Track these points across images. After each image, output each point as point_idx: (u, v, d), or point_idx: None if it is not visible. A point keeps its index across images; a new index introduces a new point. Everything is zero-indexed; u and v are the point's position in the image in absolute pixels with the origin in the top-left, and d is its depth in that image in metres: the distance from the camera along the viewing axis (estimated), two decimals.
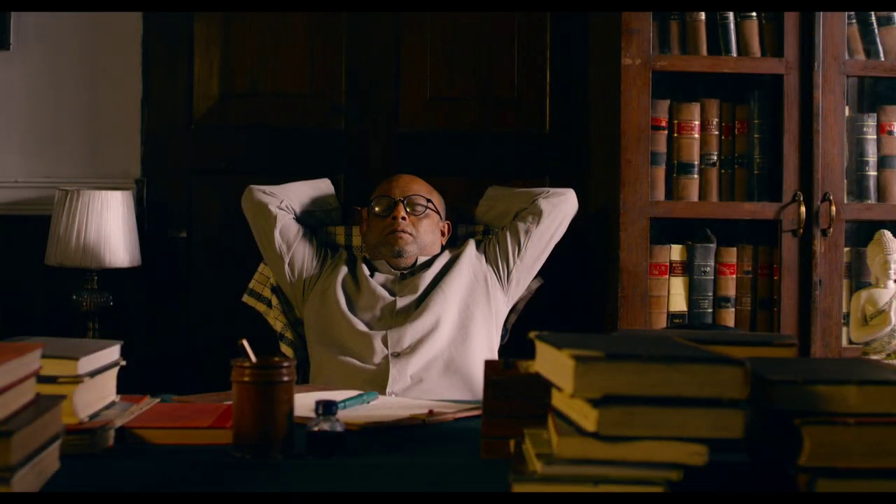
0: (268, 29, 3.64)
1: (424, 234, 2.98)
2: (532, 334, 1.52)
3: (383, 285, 2.95)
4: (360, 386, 2.62)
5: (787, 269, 3.24)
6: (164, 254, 3.61)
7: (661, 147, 3.28)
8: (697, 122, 3.30)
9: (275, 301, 3.08)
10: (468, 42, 3.66)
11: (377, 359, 2.81)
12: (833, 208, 3.20)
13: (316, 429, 1.74)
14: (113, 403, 1.86)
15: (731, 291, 3.30)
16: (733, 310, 3.30)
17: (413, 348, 2.83)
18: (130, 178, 3.61)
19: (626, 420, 1.31)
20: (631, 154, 3.21)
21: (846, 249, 3.28)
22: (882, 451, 1.34)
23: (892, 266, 3.02)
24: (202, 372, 3.37)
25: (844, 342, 3.24)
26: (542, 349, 1.48)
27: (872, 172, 3.31)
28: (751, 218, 3.28)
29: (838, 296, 3.23)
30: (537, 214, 3.01)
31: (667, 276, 3.28)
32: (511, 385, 1.75)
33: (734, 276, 3.30)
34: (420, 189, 3.02)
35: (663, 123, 3.28)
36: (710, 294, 3.29)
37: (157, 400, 2.03)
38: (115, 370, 1.88)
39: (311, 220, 3.12)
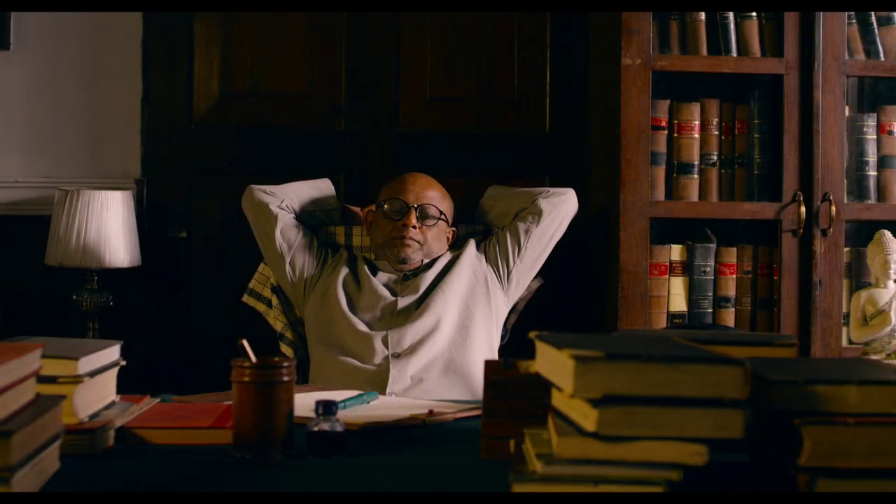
0: (268, 29, 3.64)
1: (432, 241, 2.98)
2: (532, 334, 1.52)
3: (385, 285, 2.95)
4: (360, 386, 2.62)
5: (787, 269, 3.24)
6: (164, 254, 3.61)
7: (661, 147, 3.28)
8: (697, 122, 3.30)
9: (275, 301, 3.08)
10: (468, 42, 3.66)
11: (377, 359, 2.81)
12: (833, 208, 3.20)
13: (316, 429, 1.74)
14: (113, 403, 1.86)
15: (731, 291, 3.30)
16: (733, 310, 3.30)
17: (413, 349, 2.83)
18: (130, 178, 3.61)
19: (626, 420, 1.31)
20: (631, 154, 3.21)
21: (846, 249, 3.28)
22: (882, 451, 1.34)
23: (892, 266, 3.01)
24: (202, 372, 3.37)
25: (844, 342, 3.24)
26: (542, 349, 1.48)
27: (872, 172, 3.31)
28: (751, 218, 3.29)
29: (838, 296, 3.24)
30: (537, 214, 3.01)
31: (667, 276, 3.28)
32: (511, 385, 1.75)
33: (734, 276, 3.30)
34: (434, 197, 3.00)
35: (663, 123, 3.28)
36: (710, 294, 3.29)
37: (157, 400, 2.03)
38: (115, 370, 1.88)
39: (312, 219, 3.11)
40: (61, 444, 1.54)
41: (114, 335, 2.17)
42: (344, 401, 2.15)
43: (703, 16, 3.27)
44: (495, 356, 2.95)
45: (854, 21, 3.29)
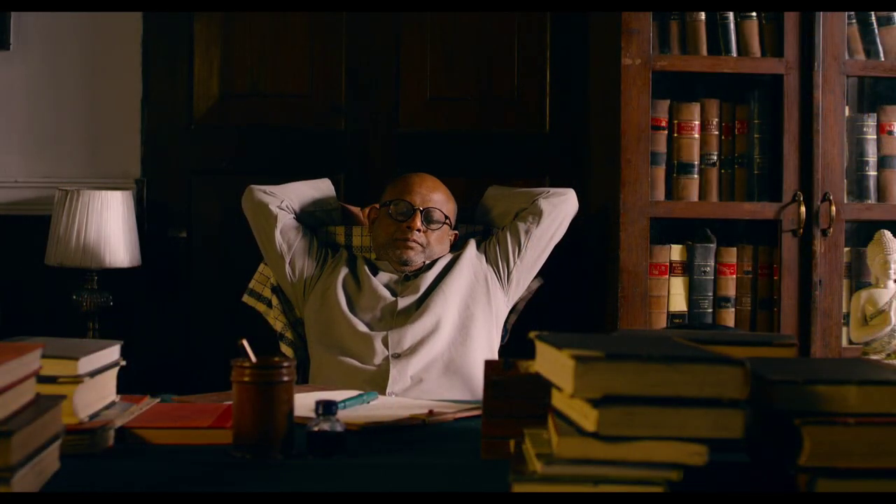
0: (268, 29, 3.64)
1: (434, 244, 2.97)
2: (532, 334, 1.52)
3: (386, 285, 2.95)
4: (360, 386, 2.62)
5: (787, 269, 3.24)
6: (164, 254, 3.61)
7: (661, 147, 3.28)
8: (697, 122, 3.30)
9: (275, 301, 3.08)
10: (468, 42, 3.66)
11: (377, 359, 2.81)
12: (833, 208, 3.20)
13: (316, 429, 1.74)
14: (113, 403, 1.86)
15: (731, 291, 3.30)
16: (733, 310, 3.30)
17: (413, 349, 2.83)
18: (130, 178, 3.61)
19: (626, 420, 1.31)
20: (631, 154, 3.21)
21: (846, 249, 3.28)
22: (882, 451, 1.34)
23: (892, 266, 3.02)
24: (202, 372, 3.37)
25: (844, 342, 3.24)
26: (542, 349, 1.48)
27: (872, 172, 3.31)
28: (751, 218, 3.29)
29: (838, 296, 3.24)
30: (537, 214, 3.01)
31: (667, 276, 3.28)
32: (511, 385, 1.75)
33: (734, 276, 3.30)
34: (439, 200, 2.99)
35: (663, 123, 3.28)
36: (710, 294, 3.29)
37: (157, 400, 2.03)
38: (115, 370, 1.88)
39: (312, 219, 3.11)
40: (61, 444, 1.54)
41: (114, 335, 2.17)
42: (344, 401, 2.15)
43: (703, 16, 3.27)
44: (495, 356, 2.95)
45: (854, 21, 3.29)
